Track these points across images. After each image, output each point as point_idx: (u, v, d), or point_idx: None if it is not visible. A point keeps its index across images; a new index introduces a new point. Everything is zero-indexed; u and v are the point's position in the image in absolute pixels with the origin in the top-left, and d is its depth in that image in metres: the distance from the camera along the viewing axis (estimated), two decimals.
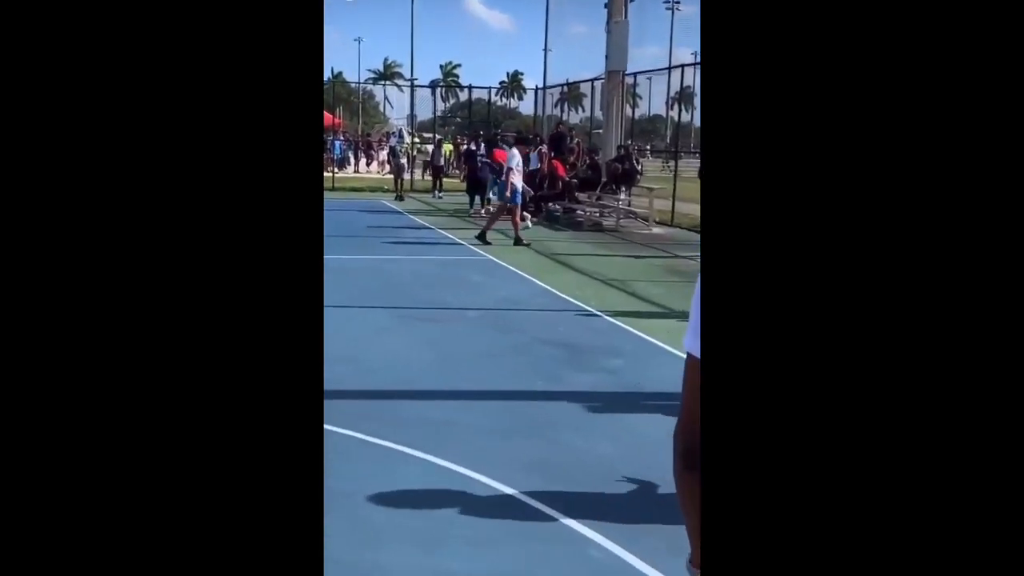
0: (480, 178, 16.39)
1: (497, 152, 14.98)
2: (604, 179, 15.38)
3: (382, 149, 30.19)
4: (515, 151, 12.20)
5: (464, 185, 18.23)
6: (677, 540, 1.46)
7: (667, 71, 19.39)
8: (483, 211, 16.02)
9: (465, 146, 20.26)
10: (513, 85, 66.94)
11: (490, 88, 26.18)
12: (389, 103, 60.09)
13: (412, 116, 28.25)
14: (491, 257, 10.52)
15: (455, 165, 24.29)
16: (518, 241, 11.72)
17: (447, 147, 28.81)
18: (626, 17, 16.60)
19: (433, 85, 35.83)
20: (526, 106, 62.26)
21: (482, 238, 11.73)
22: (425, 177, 23.34)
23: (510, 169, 11.75)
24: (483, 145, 17.19)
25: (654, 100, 43.26)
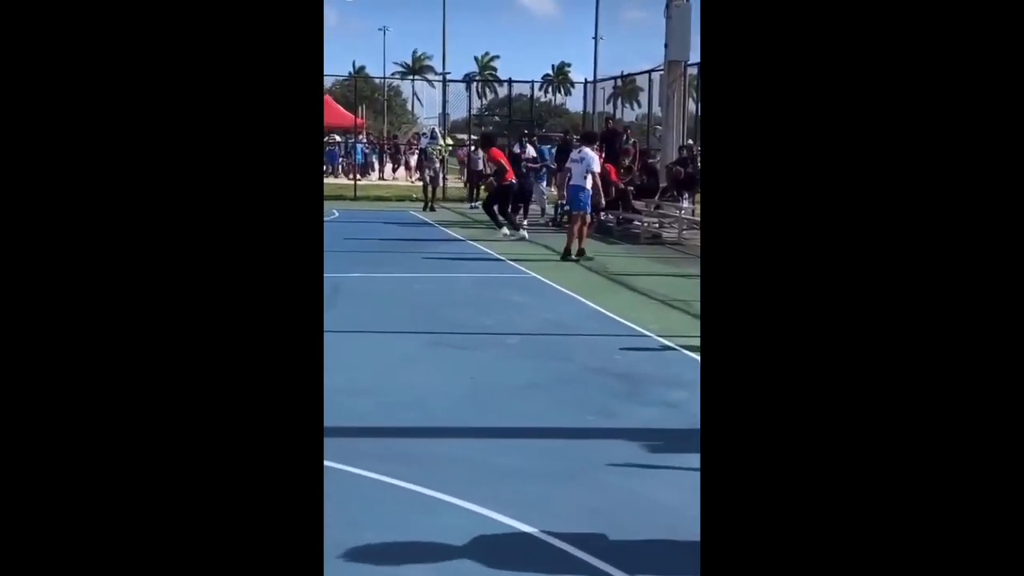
0: (525, 184, 16.42)
1: (494, 151, 15.07)
2: (664, 185, 15.33)
3: (411, 153, 30.44)
4: (589, 151, 12.14)
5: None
6: None
7: None
8: (525, 223, 16.06)
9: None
10: (559, 78, 67.22)
11: (532, 82, 26.33)
12: (419, 100, 60.69)
13: (445, 115, 28.47)
14: (534, 275, 10.54)
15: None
16: (568, 254, 11.70)
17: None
18: (689, 0, 16.56)
19: (468, 79, 36.19)
20: (574, 102, 62.68)
21: (579, 253, 11.74)
22: (452, 183, 23.46)
23: (592, 173, 11.71)
24: (528, 148, 17.20)
25: None
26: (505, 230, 14.29)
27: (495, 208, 14.76)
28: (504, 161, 14.86)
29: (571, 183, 12.04)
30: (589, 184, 11.74)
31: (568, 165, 12.53)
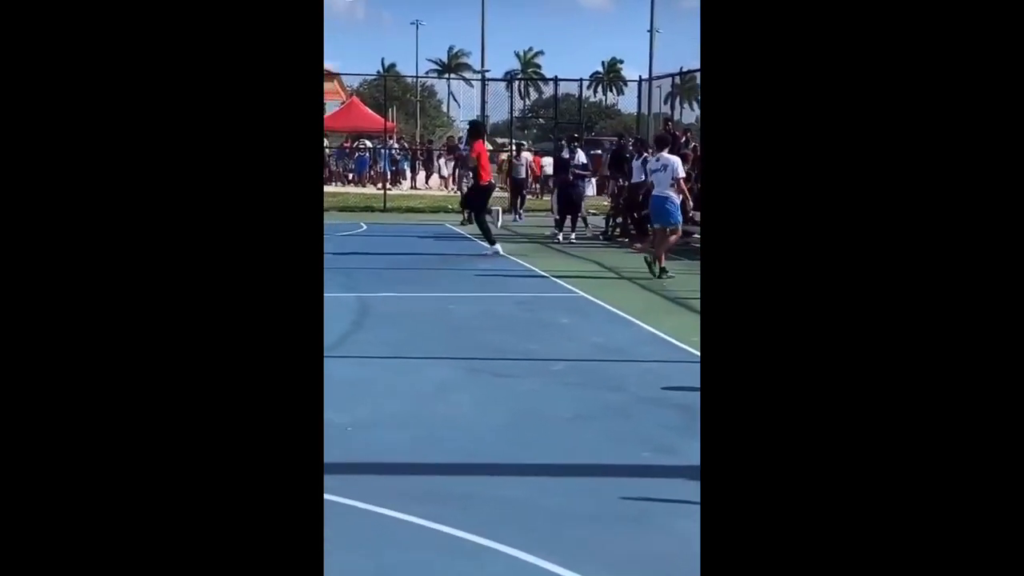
0: (573, 194, 16.45)
1: (479, 145, 14.77)
2: None
3: (448, 159, 30.62)
4: (671, 157, 12.13)
5: (551, 203, 18.34)
6: None
7: None
8: (573, 236, 16.08)
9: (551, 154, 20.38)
10: (610, 76, 67.37)
11: (581, 80, 26.38)
12: (455, 101, 61.02)
13: (484, 117, 28.60)
14: (583, 294, 10.54)
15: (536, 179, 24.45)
16: (663, 272, 11.65)
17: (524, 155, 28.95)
18: None
19: (509, 78, 36.34)
20: (627, 102, 62.57)
21: (662, 271, 11.74)
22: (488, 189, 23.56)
23: (678, 180, 11.70)
24: (578, 153, 17.17)
25: None
26: (496, 248, 14.12)
27: (475, 212, 14.65)
28: (485, 160, 14.60)
29: (654, 194, 12.01)
30: (675, 193, 11.71)
31: (649, 176, 12.54)
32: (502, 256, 13.69)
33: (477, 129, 16.18)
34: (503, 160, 26.64)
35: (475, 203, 14.67)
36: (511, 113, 25.29)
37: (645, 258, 12.12)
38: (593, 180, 23.05)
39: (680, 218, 11.89)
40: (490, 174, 14.83)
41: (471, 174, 14.94)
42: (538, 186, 27.18)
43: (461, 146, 25.53)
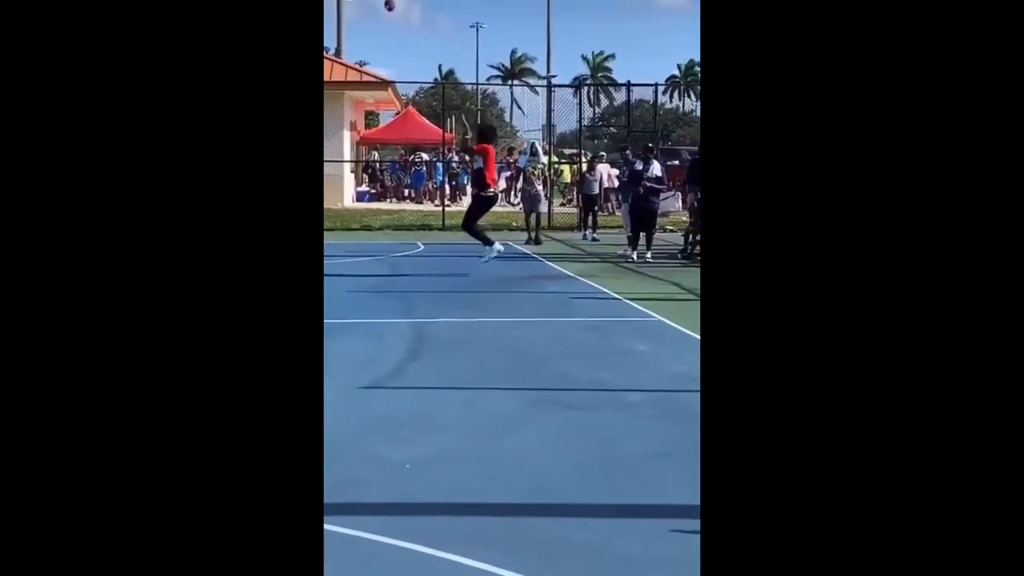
0: (647, 208, 16.39)
1: (488, 148, 14.38)
2: None
3: (509, 173, 30.74)
4: None
5: (622, 219, 18.29)
6: None
7: None
8: (649, 255, 16.04)
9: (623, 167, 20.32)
10: (688, 80, 67.15)
11: (656, 85, 26.35)
12: (519, 109, 61.29)
13: (550, 126, 28.68)
14: (660, 318, 10.51)
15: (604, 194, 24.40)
16: None
17: (566, 169, 28.81)
18: None
19: (578, 83, 36.38)
20: None
21: None
22: (560, 209, 23.49)
23: None
24: (654, 164, 17.08)
25: None
26: (496, 247, 14.02)
27: (467, 220, 14.38)
28: (491, 164, 14.24)
29: None
30: None
31: None
32: (503, 254, 13.72)
33: (486, 133, 15.58)
34: (574, 173, 26.65)
35: (472, 213, 14.35)
36: (580, 122, 25.25)
37: None
38: (676, 193, 22.92)
39: None
40: (496, 183, 14.61)
41: (476, 180, 14.50)
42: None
43: (520, 158, 25.64)
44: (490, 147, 14.38)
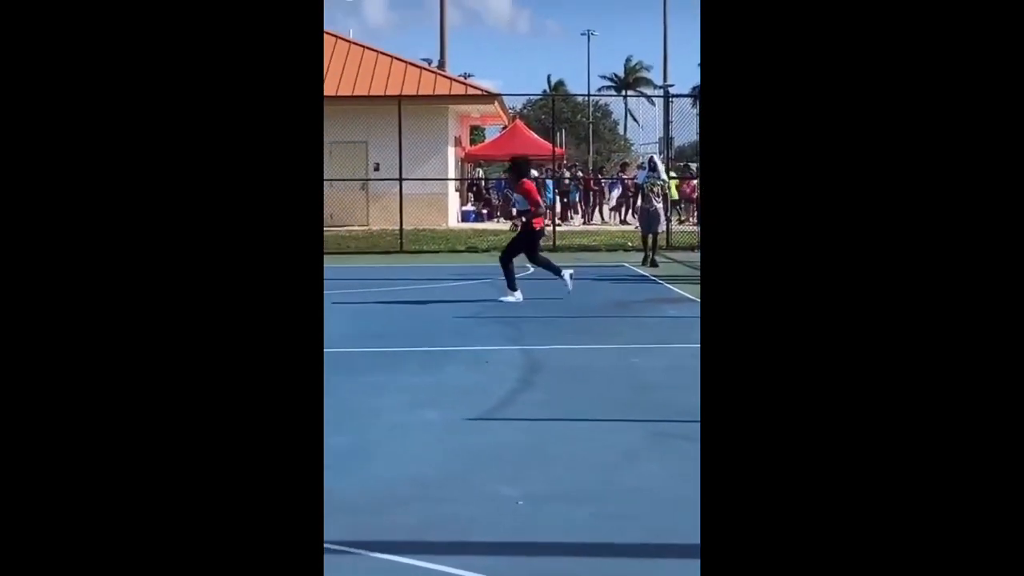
0: None
1: (526, 184, 14.14)
2: None
3: (622, 190, 30.66)
4: None
5: None
6: None
7: None
8: None
9: None
10: None
11: None
12: (634, 120, 61.21)
13: (668, 139, 28.55)
14: None
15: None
16: None
17: (674, 184, 28.71)
18: None
19: (697, 93, 36.10)
20: None
21: None
22: (679, 228, 23.32)
23: None
24: None
25: None
26: (566, 278, 13.83)
27: (514, 258, 14.01)
28: (537, 198, 14.00)
29: None
30: None
31: None
32: (519, 302, 13.39)
33: (520, 167, 14.92)
34: (689, 191, 26.48)
35: (517, 247, 14.08)
36: (699, 134, 25.12)
37: None
38: None
39: None
40: (542, 219, 14.37)
41: (523, 216, 14.22)
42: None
43: (639, 174, 25.51)
44: (527, 183, 14.20)
